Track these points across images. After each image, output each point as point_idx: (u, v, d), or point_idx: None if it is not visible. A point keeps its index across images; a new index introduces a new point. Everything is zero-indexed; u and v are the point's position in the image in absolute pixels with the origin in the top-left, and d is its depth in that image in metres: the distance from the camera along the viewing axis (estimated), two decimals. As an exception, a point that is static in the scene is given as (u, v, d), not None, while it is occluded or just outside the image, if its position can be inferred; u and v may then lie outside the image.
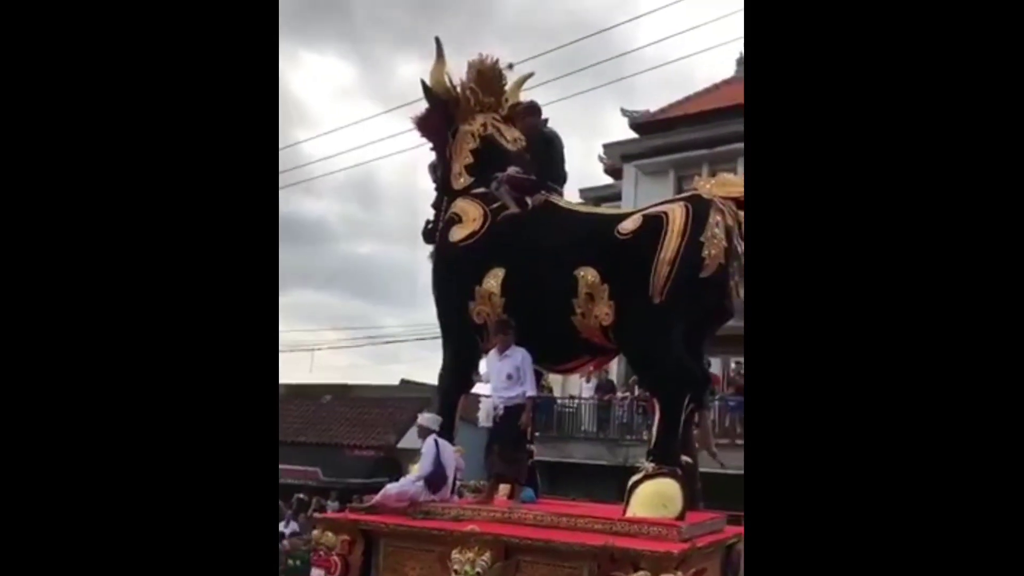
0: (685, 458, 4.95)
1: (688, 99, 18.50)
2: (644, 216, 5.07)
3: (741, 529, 4.25)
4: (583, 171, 19.64)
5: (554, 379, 14.20)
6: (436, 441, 5.26)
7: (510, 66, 6.47)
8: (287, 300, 38.30)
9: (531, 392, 5.33)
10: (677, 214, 4.91)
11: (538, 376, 6.01)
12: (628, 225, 5.04)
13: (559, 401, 15.60)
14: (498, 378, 5.34)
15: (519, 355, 5.28)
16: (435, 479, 5.15)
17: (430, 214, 6.12)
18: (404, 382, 20.76)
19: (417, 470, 5.27)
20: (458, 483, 5.56)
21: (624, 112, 18.57)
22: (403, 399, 18.63)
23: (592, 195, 17.42)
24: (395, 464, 14.59)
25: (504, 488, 5.52)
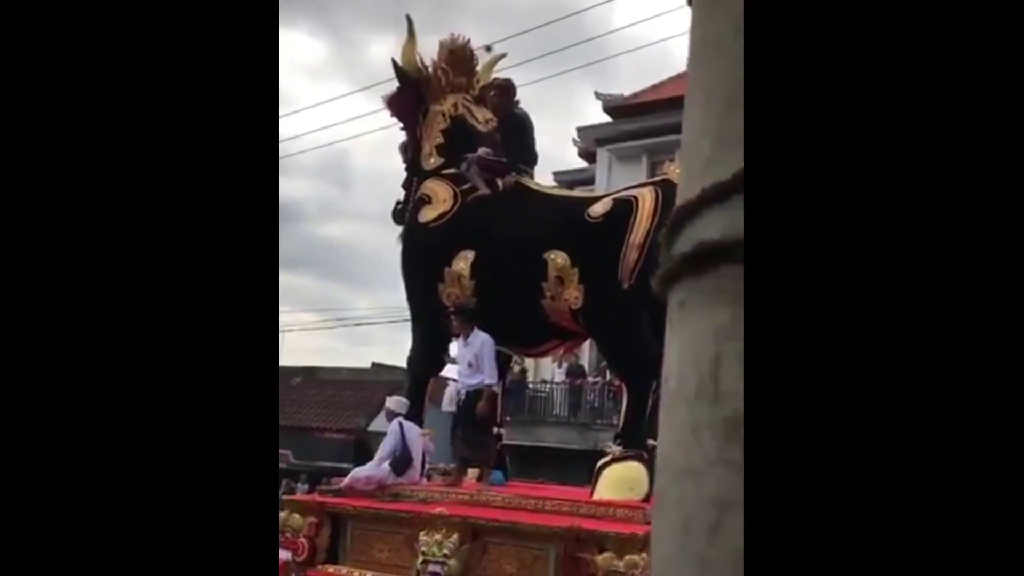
0: (652, 442, 4.97)
1: (662, 84, 18.46)
2: (614, 200, 5.06)
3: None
4: (557, 155, 19.60)
5: (527, 363, 14.22)
6: (401, 424, 5.24)
7: (488, 48, 6.39)
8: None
9: (489, 381, 5.24)
10: (647, 198, 4.90)
11: (508, 360, 5.98)
12: (598, 208, 5.03)
13: (531, 385, 15.64)
14: (462, 364, 5.33)
15: (479, 342, 5.22)
16: (401, 462, 5.13)
17: (401, 195, 6.07)
18: (376, 365, 20.66)
19: (379, 452, 5.27)
20: (427, 466, 5.55)
21: (598, 95, 18.53)
22: (374, 382, 18.53)
23: (566, 179, 17.34)
24: (366, 447, 14.55)
25: (473, 471, 5.52)
